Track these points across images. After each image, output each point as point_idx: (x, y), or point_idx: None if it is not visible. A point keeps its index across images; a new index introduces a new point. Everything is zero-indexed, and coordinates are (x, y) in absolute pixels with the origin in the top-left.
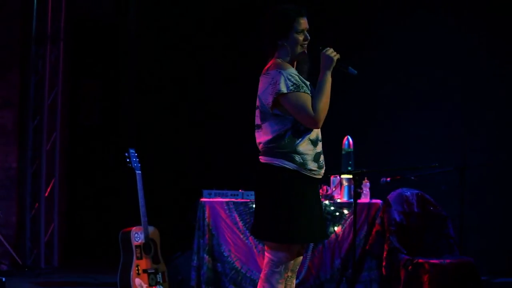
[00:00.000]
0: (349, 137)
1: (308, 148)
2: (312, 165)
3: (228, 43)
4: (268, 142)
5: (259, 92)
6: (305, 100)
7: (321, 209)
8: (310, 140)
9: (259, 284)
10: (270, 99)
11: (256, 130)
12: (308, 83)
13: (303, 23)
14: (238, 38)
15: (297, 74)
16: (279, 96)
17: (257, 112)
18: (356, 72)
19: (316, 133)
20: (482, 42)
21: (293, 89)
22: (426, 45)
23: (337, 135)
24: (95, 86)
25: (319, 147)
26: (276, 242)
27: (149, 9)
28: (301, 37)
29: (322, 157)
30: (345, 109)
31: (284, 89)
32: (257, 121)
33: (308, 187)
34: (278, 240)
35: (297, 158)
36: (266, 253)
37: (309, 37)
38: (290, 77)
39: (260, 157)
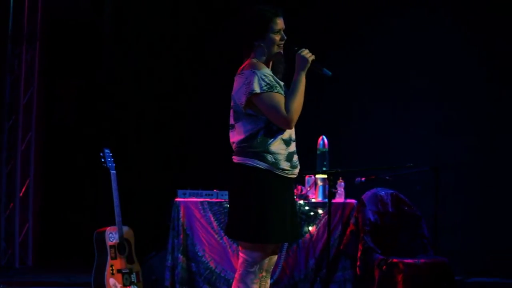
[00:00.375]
0: (324, 137)
1: (281, 148)
2: (285, 165)
3: (205, 42)
4: (241, 141)
5: (233, 92)
6: (278, 100)
7: (295, 208)
8: (283, 140)
9: (233, 284)
10: (243, 99)
11: (230, 130)
12: (282, 83)
13: (280, 23)
14: (214, 37)
15: (272, 74)
16: (252, 96)
17: (231, 112)
18: (330, 73)
19: (290, 133)
20: (460, 42)
21: (266, 89)
22: (401, 45)
23: (312, 135)
24: (70, 86)
25: (293, 147)
26: (249, 242)
27: (125, 8)
28: (277, 37)
29: (295, 157)
30: (320, 109)
31: (257, 89)
32: (231, 120)
33: (281, 187)
34: (252, 240)
35: (269, 157)
36: (240, 253)
37: (285, 37)
38: (264, 77)
39: (233, 157)
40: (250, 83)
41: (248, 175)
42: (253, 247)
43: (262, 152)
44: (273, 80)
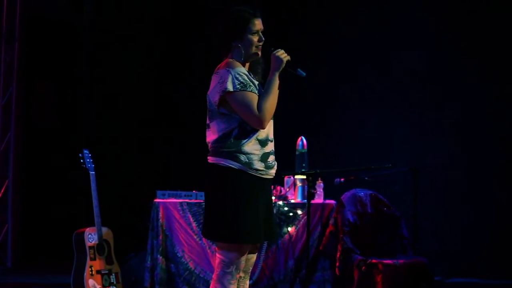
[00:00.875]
0: (303, 137)
1: (255, 148)
2: (259, 165)
3: (184, 43)
4: (215, 141)
5: (208, 91)
6: (250, 99)
7: (271, 209)
8: (258, 140)
9: (211, 285)
10: (216, 97)
11: (206, 130)
12: (257, 83)
13: (258, 24)
14: (192, 38)
15: (247, 73)
16: (225, 95)
17: (207, 112)
18: (305, 74)
19: (266, 133)
20: (440, 41)
21: (239, 87)
22: (378, 45)
23: (291, 136)
24: (50, 86)
25: (269, 148)
26: (224, 242)
27: (106, 8)
28: (255, 38)
29: (271, 157)
30: (299, 110)
31: (230, 88)
32: (207, 120)
33: (254, 187)
34: (227, 240)
35: (242, 157)
36: (217, 254)
37: (263, 38)
38: (237, 76)
39: (208, 157)
40: (223, 82)
41: (222, 176)
42: (229, 248)
43: (236, 152)
44: (247, 79)
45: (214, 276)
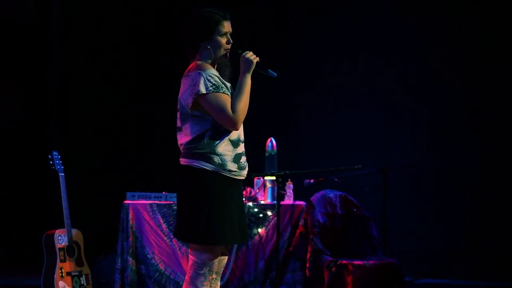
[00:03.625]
0: (272, 139)
1: (227, 149)
2: (232, 166)
3: (154, 45)
4: (188, 143)
5: (179, 95)
6: (224, 100)
7: (243, 210)
8: (230, 141)
9: (183, 286)
10: (189, 100)
11: (177, 133)
12: (229, 84)
13: (227, 26)
14: (164, 40)
15: (218, 75)
16: (198, 97)
17: (178, 115)
18: (275, 74)
19: (238, 134)
20: (408, 39)
21: (212, 89)
22: (347, 45)
23: (261, 137)
24: (16, 89)
25: (241, 148)
26: (198, 244)
27: (73, 9)
28: (224, 40)
29: (243, 158)
30: (268, 111)
31: (203, 90)
32: (178, 123)
33: (228, 188)
34: (200, 241)
35: (216, 159)
36: (190, 256)
37: (231, 41)
38: (209, 78)
39: (180, 159)
40: (196, 84)
41: (195, 177)
42: (202, 249)
43: (209, 154)
44: (219, 81)
45: (186, 277)
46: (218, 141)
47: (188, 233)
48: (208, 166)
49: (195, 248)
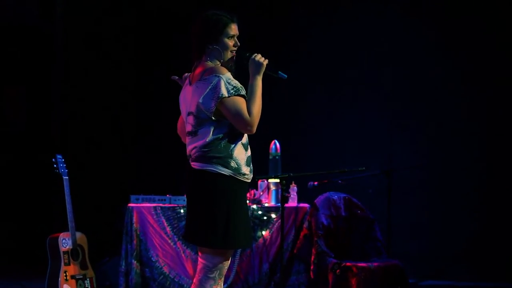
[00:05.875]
0: (276, 141)
1: (241, 153)
2: (245, 169)
3: (156, 46)
4: (203, 147)
5: (197, 98)
6: (241, 103)
7: (248, 213)
8: (243, 144)
9: None
10: (212, 104)
11: (189, 137)
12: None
13: (234, 28)
14: (166, 41)
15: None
16: (221, 100)
17: (191, 119)
18: (286, 76)
19: (246, 137)
20: (415, 42)
21: (233, 92)
22: (350, 47)
23: (265, 140)
24: (20, 92)
25: (249, 151)
26: (215, 248)
27: (77, 11)
28: (231, 43)
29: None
30: (273, 113)
31: (225, 93)
32: (190, 127)
33: (242, 192)
34: (218, 246)
35: (232, 163)
36: (200, 259)
37: (238, 44)
38: (229, 81)
39: (192, 163)
40: (217, 88)
41: (211, 182)
42: (215, 253)
43: (226, 158)
44: (238, 83)
45: (195, 281)
46: (233, 145)
47: (204, 237)
48: (225, 171)
49: (207, 252)
